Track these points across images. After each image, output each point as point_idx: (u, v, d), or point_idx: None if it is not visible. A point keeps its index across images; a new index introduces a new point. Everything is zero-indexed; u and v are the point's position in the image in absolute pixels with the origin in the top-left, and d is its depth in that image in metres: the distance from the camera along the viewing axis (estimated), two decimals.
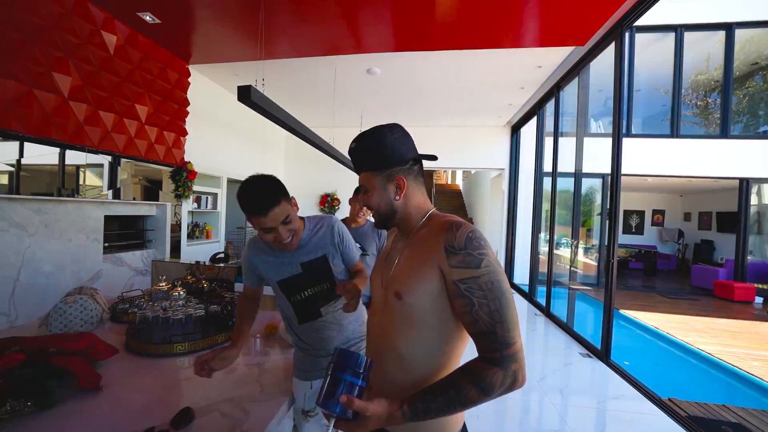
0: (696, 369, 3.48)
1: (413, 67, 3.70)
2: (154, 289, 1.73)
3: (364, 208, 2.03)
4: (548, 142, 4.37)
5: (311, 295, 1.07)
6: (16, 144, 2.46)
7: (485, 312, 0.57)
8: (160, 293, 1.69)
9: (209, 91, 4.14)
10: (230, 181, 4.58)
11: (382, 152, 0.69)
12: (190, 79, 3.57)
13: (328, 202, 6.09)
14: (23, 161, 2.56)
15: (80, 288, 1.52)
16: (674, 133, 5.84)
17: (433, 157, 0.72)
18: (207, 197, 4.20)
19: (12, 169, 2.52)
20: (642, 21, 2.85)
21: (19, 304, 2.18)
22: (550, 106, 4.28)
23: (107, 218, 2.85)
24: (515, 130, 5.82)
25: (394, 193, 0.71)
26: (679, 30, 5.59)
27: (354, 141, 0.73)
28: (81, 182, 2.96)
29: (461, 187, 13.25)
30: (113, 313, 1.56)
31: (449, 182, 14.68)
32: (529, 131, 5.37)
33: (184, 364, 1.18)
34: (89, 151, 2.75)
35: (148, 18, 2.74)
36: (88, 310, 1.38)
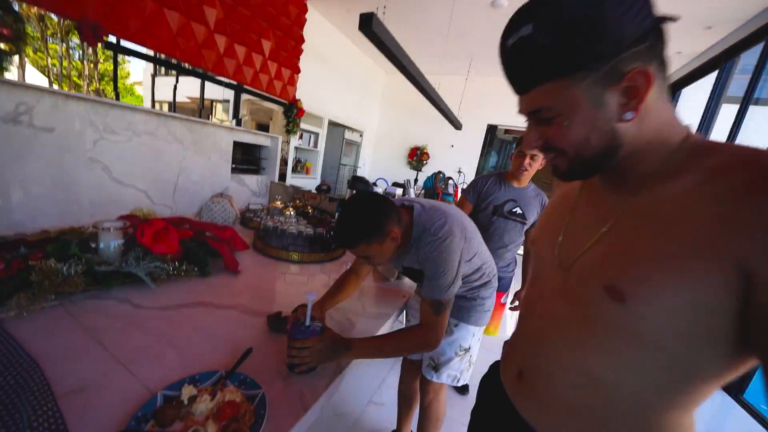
0: None
1: None
2: (271, 205, 1.99)
3: (533, 160, 1.39)
4: (727, 109, 3.25)
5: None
6: (172, 78, 2.99)
7: None
8: (275, 210, 1.93)
9: (319, 30, 4.21)
10: (330, 123, 4.82)
11: (597, 27, 0.35)
12: (306, 16, 3.66)
13: (417, 155, 5.98)
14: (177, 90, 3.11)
15: (220, 194, 1.83)
16: None
17: (675, 18, 0.37)
18: (310, 136, 4.53)
19: (170, 98, 3.13)
20: None
21: (177, 201, 2.78)
22: (747, 58, 3.08)
23: (233, 144, 3.32)
24: (676, 88, 4.50)
25: (620, 107, 0.38)
26: None
27: (525, 16, 0.38)
28: (213, 114, 3.49)
29: None
30: (242, 219, 1.86)
31: None
32: (696, 92, 4.08)
33: (297, 271, 1.34)
34: (225, 85, 3.14)
35: None
36: (227, 211, 1.66)
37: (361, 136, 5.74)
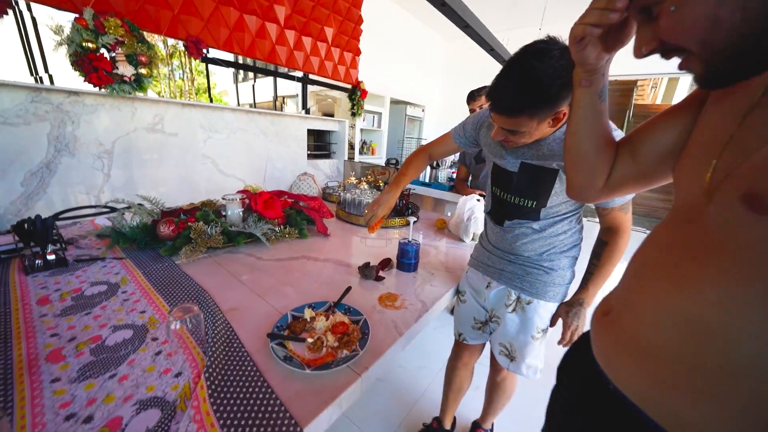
0: None
1: None
2: (347, 181, 2.16)
3: None
4: None
5: (509, 202, 0.87)
6: (251, 82, 3.36)
7: None
8: (350, 185, 2.11)
9: (375, 4, 4.20)
10: (392, 102, 4.85)
11: None
12: None
13: None
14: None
15: (305, 173, 2.07)
16: None
17: None
18: (373, 116, 4.65)
19: (251, 100, 3.55)
20: None
21: (266, 187, 3.21)
22: None
23: (307, 132, 3.62)
24: None
25: None
26: None
27: None
28: (285, 107, 3.83)
29: None
30: (323, 194, 2.08)
31: (658, 102, 10.58)
32: None
33: (375, 235, 1.47)
34: (296, 79, 3.41)
35: None
36: (311, 187, 1.88)
37: (423, 111, 5.65)
